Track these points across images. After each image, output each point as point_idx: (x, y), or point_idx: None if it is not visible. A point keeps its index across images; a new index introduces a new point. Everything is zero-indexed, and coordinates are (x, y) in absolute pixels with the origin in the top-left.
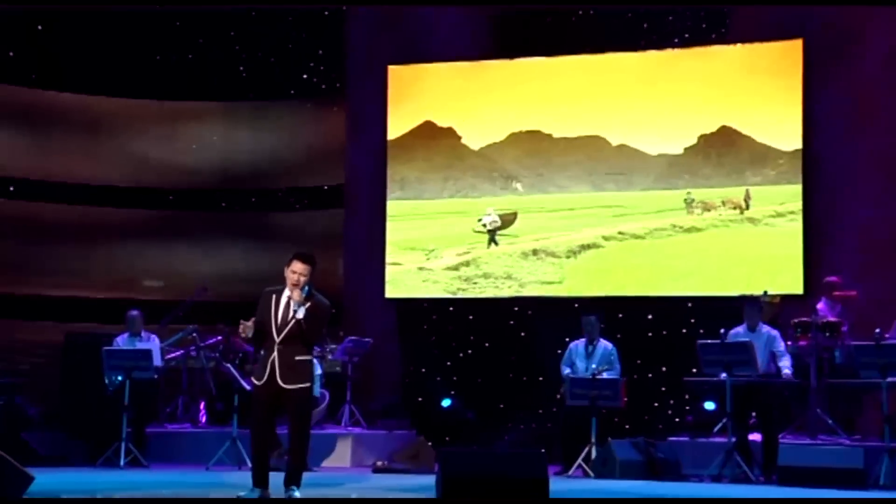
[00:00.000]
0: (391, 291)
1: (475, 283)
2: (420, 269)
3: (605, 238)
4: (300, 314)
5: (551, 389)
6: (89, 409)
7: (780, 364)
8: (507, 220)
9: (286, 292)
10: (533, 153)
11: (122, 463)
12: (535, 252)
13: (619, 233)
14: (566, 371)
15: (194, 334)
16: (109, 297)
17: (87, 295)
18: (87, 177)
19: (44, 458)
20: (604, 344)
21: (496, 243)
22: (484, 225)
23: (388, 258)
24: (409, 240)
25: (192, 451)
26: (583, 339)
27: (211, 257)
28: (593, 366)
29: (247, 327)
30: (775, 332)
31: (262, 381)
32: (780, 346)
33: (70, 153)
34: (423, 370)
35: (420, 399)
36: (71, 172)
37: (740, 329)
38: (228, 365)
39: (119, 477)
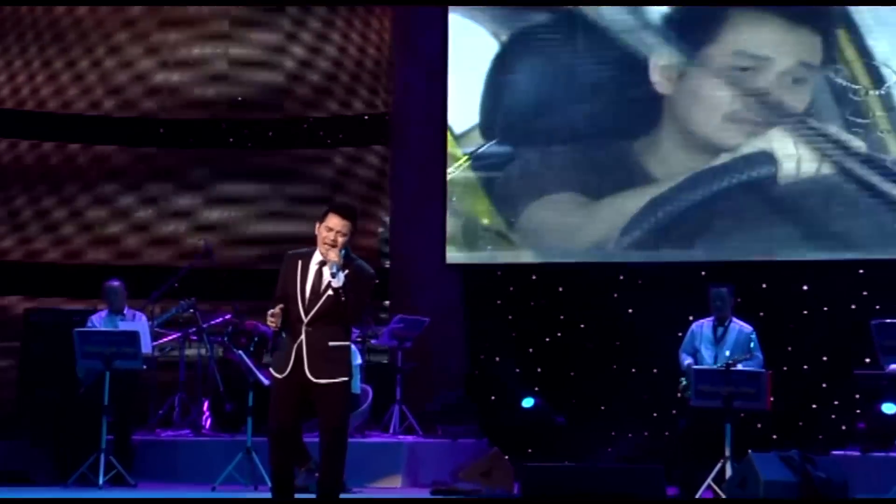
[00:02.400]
0: (454, 255)
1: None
2: (491, 224)
3: None
4: (338, 281)
5: (668, 385)
6: (57, 410)
7: None
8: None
9: (317, 256)
10: None
11: (100, 481)
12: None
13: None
14: (687, 361)
15: (193, 311)
16: (82, 263)
17: (53, 259)
18: (53, 103)
19: None
20: (738, 325)
21: None
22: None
23: (451, 211)
24: None
25: (192, 465)
26: (710, 319)
27: (216, 210)
28: (725, 353)
29: (277, 317)
30: None
31: (284, 374)
32: None
33: (27, 72)
34: (497, 359)
35: (493, 398)
36: (30, 97)
37: None
38: (240, 352)
39: (98, 499)
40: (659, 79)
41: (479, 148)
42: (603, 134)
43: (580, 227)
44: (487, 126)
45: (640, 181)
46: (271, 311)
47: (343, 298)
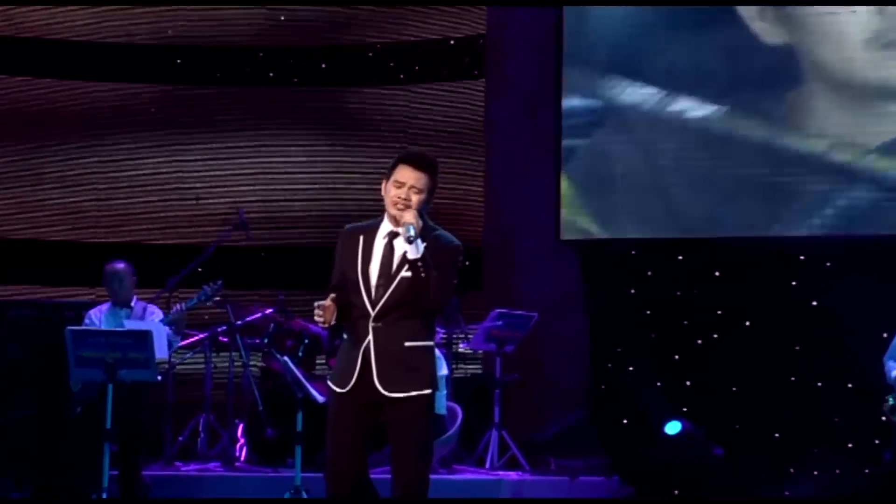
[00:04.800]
0: (570, 230)
1: None
2: (620, 187)
3: None
4: (415, 250)
5: (869, 404)
6: (44, 435)
7: None
8: None
9: (385, 227)
10: None
11: None
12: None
13: None
14: (895, 372)
15: (220, 299)
16: (76, 240)
17: (37, 235)
18: (39, 27)
19: None
20: None
21: None
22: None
23: (567, 169)
24: None
25: None
26: None
27: (252, 169)
28: None
29: (327, 310)
30: None
31: (346, 388)
32: None
33: None
34: (631, 368)
35: (625, 421)
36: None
37: None
38: (286, 359)
39: None
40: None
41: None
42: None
43: None
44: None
45: None
46: (319, 302)
47: (423, 274)
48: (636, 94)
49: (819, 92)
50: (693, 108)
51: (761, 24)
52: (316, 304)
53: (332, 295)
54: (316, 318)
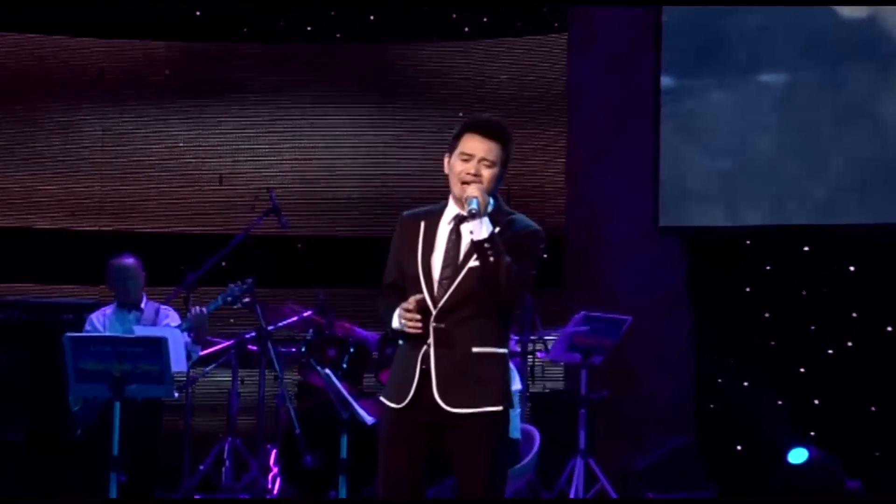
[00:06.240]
0: (671, 214)
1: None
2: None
3: None
4: (481, 228)
5: None
6: (37, 462)
7: None
8: None
9: (450, 212)
10: None
11: None
12: None
13: None
14: None
15: (250, 300)
16: (74, 228)
17: (26, 223)
18: None
19: None
20: None
21: None
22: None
23: (667, 144)
24: None
25: None
26: None
27: (285, 142)
28: None
29: (414, 311)
30: None
31: (401, 405)
32: None
33: None
34: (745, 383)
35: (738, 447)
36: None
37: None
38: (327, 371)
39: None
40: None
41: None
42: None
43: None
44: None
45: None
46: (405, 305)
47: (492, 258)
48: (749, 50)
49: None
50: (817, 76)
51: None
52: (402, 306)
53: (418, 296)
54: (409, 326)
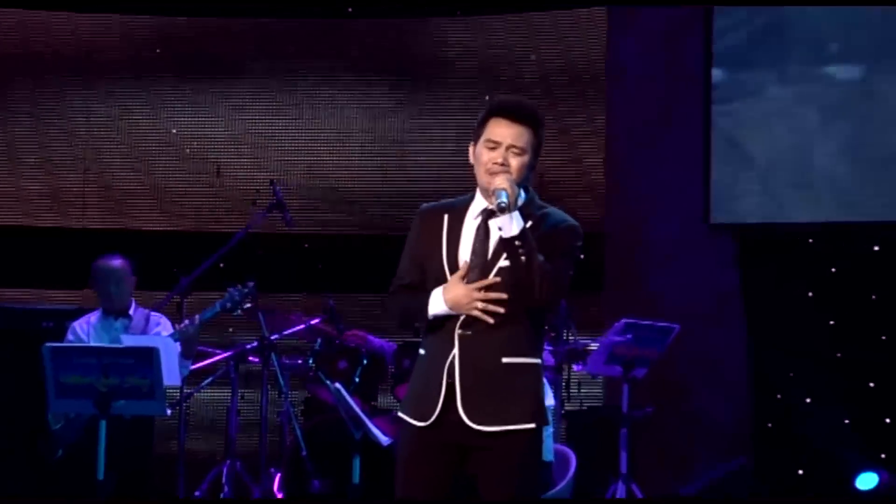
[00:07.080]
0: (723, 210)
1: None
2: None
3: None
4: (511, 224)
5: None
6: (13, 487)
7: None
8: None
9: (476, 205)
10: None
11: None
12: None
13: None
14: None
15: (251, 306)
16: (56, 226)
17: (5, 220)
18: None
19: None
20: None
21: None
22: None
23: (719, 133)
24: None
25: None
26: None
27: (290, 129)
28: None
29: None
30: None
31: (426, 423)
32: None
33: None
34: (808, 400)
35: (800, 471)
36: None
37: None
38: (338, 385)
39: None
40: None
41: None
42: None
43: None
44: None
45: None
46: (457, 277)
47: (523, 257)
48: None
49: None
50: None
51: None
52: (467, 290)
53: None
54: (476, 307)
